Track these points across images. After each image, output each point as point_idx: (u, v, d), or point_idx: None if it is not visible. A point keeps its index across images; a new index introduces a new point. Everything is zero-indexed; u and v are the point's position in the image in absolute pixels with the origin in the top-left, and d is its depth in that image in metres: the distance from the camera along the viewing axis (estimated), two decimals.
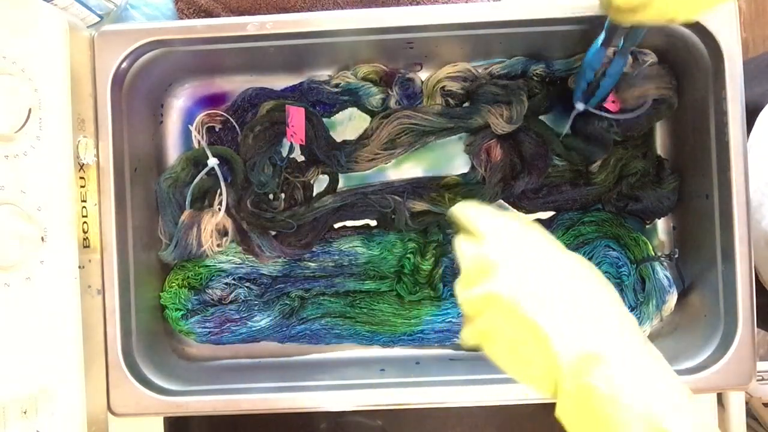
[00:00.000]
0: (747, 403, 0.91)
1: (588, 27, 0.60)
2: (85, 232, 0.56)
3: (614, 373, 0.38)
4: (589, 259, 0.66)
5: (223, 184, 0.66)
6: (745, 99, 0.57)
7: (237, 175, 0.67)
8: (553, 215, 0.69)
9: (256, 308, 0.67)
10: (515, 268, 0.41)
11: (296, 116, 0.65)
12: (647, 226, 0.69)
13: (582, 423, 0.39)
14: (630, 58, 0.64)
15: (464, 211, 0.45)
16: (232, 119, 0.68)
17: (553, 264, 0.41)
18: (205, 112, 0.69)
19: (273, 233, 0.67)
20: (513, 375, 0.41)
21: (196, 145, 0.69)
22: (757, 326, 0.57)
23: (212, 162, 0.67)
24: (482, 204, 0.46)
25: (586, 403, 0.38)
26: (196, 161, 0.67)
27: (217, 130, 0.69)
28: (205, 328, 0.67)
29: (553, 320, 0.39)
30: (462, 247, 0.44)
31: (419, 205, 0.67)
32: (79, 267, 0.54)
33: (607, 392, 0.37)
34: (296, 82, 0.68)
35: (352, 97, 0.67)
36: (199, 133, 0.69)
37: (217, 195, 0.67)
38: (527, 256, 0.42)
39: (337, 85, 0.67)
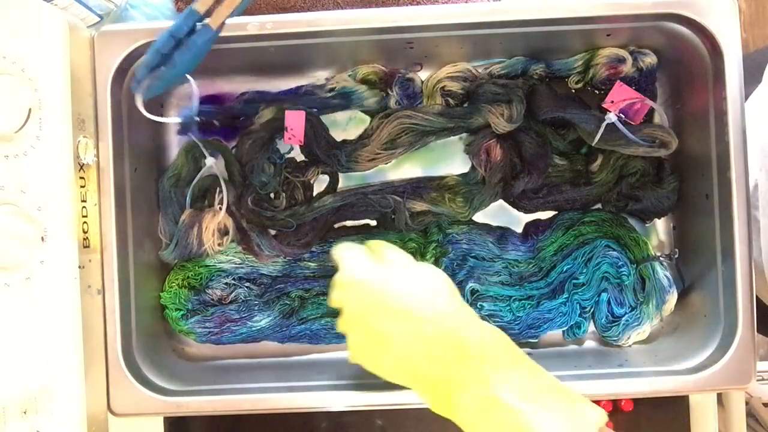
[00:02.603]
0: (747, 403, 0.91)
1: (588, 27, 0.60)
2: (85, 232, 0.56)
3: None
4: (589, 259, 0.66)
5: (223, 183, 0.66)
6: None
7: (233, 173, 0.67)
8: (554, 215, 0.69)
9: (256, 308, 0.67)
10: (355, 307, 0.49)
11: (295, 120, 0.65)
12: (647, 226, 0.70)
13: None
14: (629, 59, 0.64)
15: (335, 251, 0.53)
16: (231, 120, 0.68)
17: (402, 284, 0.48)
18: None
19: (273, 232, 0.68)
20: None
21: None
22: (758, 331, 0.57)
23: (209, 161, 0.67)
24: (353, 245, 0.54)
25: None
26: (194, 155, 0.67)
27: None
28: (205, 328, 0.67)
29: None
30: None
31: (419, 205, 0.67)
32: (79, 267, 0.54)
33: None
34: (296, 83, 0.68)
35: (344, 101, 0.67)
36: None
37: (217, 193, 0.67)
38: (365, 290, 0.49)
39: (331, 90, 0.67)
